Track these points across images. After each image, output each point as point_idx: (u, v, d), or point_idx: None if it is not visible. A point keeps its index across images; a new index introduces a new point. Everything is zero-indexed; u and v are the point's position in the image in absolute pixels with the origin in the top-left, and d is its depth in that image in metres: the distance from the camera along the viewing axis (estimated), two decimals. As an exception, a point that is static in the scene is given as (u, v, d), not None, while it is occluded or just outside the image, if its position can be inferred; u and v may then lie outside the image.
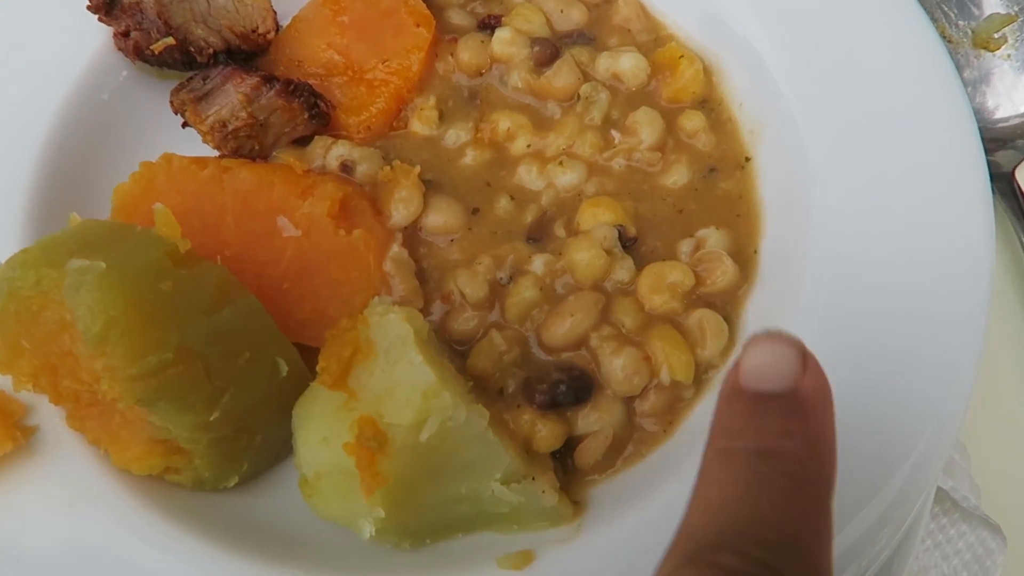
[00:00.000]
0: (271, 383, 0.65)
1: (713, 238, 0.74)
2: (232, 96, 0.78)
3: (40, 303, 0.60)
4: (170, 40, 0.77)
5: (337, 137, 0.82)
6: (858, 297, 0.68)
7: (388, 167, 0.77)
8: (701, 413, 0.69)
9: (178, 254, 0.63)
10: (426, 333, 0.62)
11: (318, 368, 0.62)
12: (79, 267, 0.58)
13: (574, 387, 0.67)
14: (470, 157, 0.80)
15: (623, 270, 0.72)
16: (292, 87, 0.79)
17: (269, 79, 0.79)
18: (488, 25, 0.86)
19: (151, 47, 0.78)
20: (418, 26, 0.83)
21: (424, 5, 0.83)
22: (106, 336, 0.57)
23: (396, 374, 0.58)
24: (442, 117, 0.82)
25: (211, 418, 0.61)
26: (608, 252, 0.72)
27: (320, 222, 0.72)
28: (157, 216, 0.63)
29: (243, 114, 0.78)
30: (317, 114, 0.81)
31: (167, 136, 0.83)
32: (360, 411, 0.59)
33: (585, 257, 0.71)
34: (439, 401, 0.58)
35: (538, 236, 0.76)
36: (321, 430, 0.61)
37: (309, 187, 0.74)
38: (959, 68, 0.78)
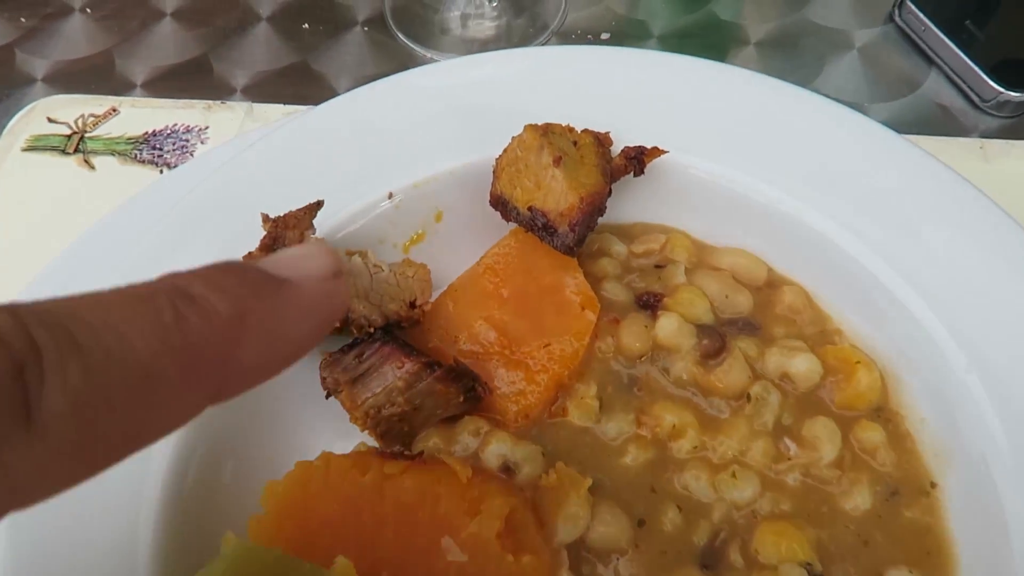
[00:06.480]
0: None
1: (907, 584, 0.68)
2: (390, 381, 0.74)
3: None
4: (333, 323, 0.74)
5: (487, 419, 0.77)
6: None
7: (552, 471, 0.72)
8: None
9: (356, 616, 0.57)
10: None
11: None
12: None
13: None
14: (631, 456, 0.75)
15: (814, 622, 0.66)
16: (455, 373, 0.75)
17: (431, 364, 0.75)
18: (648, 304, 0.83)
19: (310, 325, 0.74)
20: (584, 309, 0.79)
21: (588, 286, 0.80)
22: None
23: None
24: (601, 406, 0.78)
25: None
26: (797, 598, 0.66)
27: (487, 546, 0.66)
28: (339, 570, 0.57)
29: (400, 399, 0.74)
30: (472, 397, 0.77)
31: (305, 399, 0.79)
32: None
33: (775, 607, 0.65)
34: None
35: (712, 563, 0.71)
36: None
37: (476, 501, 0.68)
38: None
